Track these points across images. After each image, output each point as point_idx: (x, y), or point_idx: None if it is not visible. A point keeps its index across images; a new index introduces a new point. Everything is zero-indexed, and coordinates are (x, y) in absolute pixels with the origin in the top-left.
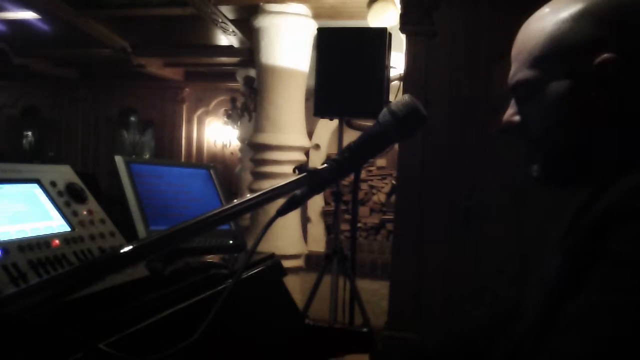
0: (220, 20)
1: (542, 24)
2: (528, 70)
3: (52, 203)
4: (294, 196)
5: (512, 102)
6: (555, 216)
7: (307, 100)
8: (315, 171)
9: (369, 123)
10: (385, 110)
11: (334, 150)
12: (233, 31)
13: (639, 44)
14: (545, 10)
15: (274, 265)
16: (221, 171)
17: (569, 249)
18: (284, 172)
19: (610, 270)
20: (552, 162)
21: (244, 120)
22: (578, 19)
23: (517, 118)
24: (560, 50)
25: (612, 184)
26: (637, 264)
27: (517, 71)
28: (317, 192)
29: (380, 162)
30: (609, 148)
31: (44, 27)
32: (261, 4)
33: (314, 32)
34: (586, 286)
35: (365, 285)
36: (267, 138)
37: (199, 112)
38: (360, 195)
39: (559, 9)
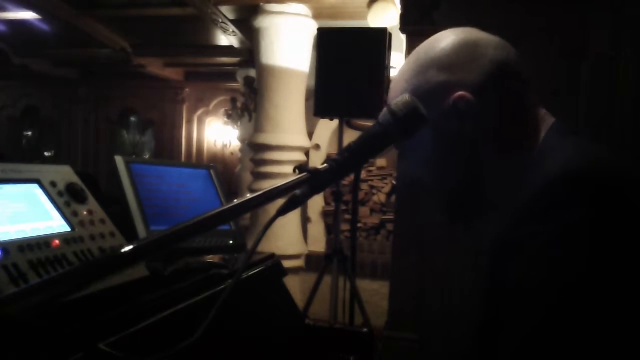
0: (220, 20)
1: (400, 82)
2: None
3: (52, 203)
4: (294, 196)
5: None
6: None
7: (307, 100)
8: (315, 171)
9: (369, 123)
10: (385, 110)
11: (334, 150)
12: (233, 31)
13: (477, 77)
14: (403, 67)
15: (274, 265)
16: (221, 171)
17: (483, 282)
18: (284, 172)
19: (519, 304)
20: (449, 203)
21: (244, 120)
22: (424, 71)
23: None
24: (418, 99)
25: (505, 212)
26: (538, 292)
27: None
28: (317, 192)
29: (380, 162)
30: (493, 176)
31: (44, 27)
32: (261, 4)
33: (314, 32)
34: (503, 321)
35: (365, 285)
36: (267, 138)
37: (199, 112)
38: (360, 195)
39: (409, 68)
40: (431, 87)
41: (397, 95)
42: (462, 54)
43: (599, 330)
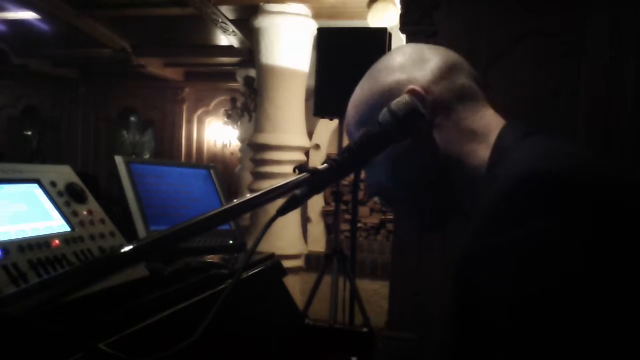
0: (220, 20)
1: (356, 94)
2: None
3: (52, 203)
4: (294, 196)
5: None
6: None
7: (307, 100)
8: (315, 171)
9: None
10: (385, 110)
11: (334, 150)
12: (233, 31)
13: (427, 73)
14: (357, 86)
15: (274, 265)
16: (221, 171)
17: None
18: (284, 172)
19: (495, 318)
20: (413, 212)
21: (244, 120)
22: (376, 77)
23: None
24: (371, 107)
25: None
26: (513, 306)
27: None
28: (317, 192)
29: None
30: (453, 179)
31: (44, 27)
32: (261, 4)
33: (314, 32)
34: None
35: (365, 285)
36: (267, 138)
37: (199, 112)
38: (360, 195)
39: (362, 82)
40: (384, 88)
41: (352, 111)
42: (409, 57)
43: (567, 339)
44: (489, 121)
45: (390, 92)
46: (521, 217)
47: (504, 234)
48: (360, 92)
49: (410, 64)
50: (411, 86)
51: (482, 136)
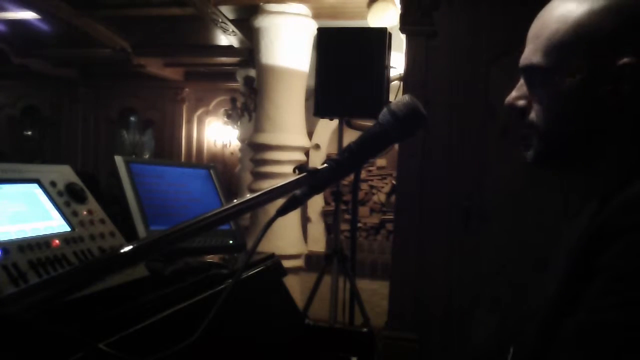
0: (220, 20)
1: (565, 11)
2: (544, 56)
3: (52, 203)
4: (294, 196)
5: (519, 84)
6: (570, 222)
7: (307, 100)
8: (315, 171)
9: (369, 123)
10: (385, 110)
11: (334, 150)
12: (233, 31)
13: None
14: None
15: (274, 265)
16: (221, 171)
17: (568, 263)
18: (284, 172)
19: (606, 285)
20: (549, 151)
21: (244, 120)
22: (603, 14)
23: (521, 102)
24: (580, 43)
25: (614, 196)
26: (631, 277)
27: (532, 54)
28: (317, 192)
29: (380, 162)
30: (616, 149)
31: (44, 27)
32: (261, 4)
33: (314, 32)
34: (584, 303)
35: (365, 285)
36: (267, 138)
37: (199, 112)
38: (360, 195)
39: (585, 0)
40: (602, 36)
41: (551, 23)
42: None
43: None
44: None
45: (599, 46)
46: None
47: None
48: (566, 16)
49: (637, 19)
50: (628, 59)
51: None
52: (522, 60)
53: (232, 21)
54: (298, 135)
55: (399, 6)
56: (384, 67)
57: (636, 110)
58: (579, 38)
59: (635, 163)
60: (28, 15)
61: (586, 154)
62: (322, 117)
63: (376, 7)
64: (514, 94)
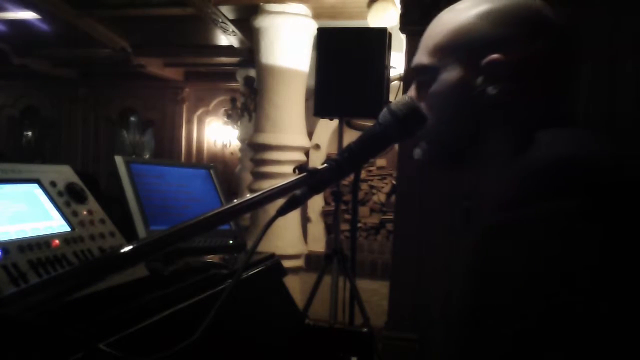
0: (220, 20)
1: (448, 18)
2: (428, 56)
3: (52, 203)
4: (294, 196)
5: (413, 87)
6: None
7: (307, 100)
8: (315, 171)
9: (369, 123)
10: (385, 110)
11: (334, 150)
12: (233, 31)
13: (529, 48)
14: (458, 5)
15: (274, 265)
16: (221, 171)
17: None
18: (284, 172)
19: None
20: (436, 149)
21: (244, 120)
22: (478, 18)
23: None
24: (458, 43)
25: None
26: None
27: (420, 56)
28: (317, 192)
29: (380, 162)
30: (501, 143)
31: (44, 27)
32: (261, 4)
33: (314, 32)
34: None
35: (365, 285)
36: (267, 138)
37: (199, 112)
38: (360, 195)
39: (468, 7)
40: (477, 37)
41: (437, 27)
42: (524, 18)
43: (591, 322)
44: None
45: (473, 46)
46: (558, 195)
47: (540, 206)
48: (449, 20)
49: (513, 21)
50: (495, 55)
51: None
52: (412, 62)
53: (232, 21)
54: (298, 136)
55: (399, 6)
56: (384, 67)
57: (512, 106)
58: (457, 39)
59: (510, 162)
60: (28, 15)
61: (470, 152)
62: (322, 117)
63: (376, 7)
64: (408, 94)
